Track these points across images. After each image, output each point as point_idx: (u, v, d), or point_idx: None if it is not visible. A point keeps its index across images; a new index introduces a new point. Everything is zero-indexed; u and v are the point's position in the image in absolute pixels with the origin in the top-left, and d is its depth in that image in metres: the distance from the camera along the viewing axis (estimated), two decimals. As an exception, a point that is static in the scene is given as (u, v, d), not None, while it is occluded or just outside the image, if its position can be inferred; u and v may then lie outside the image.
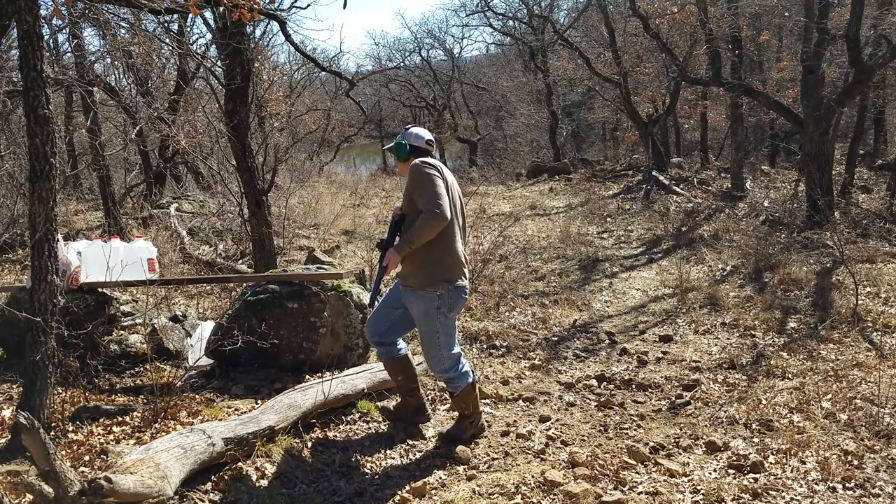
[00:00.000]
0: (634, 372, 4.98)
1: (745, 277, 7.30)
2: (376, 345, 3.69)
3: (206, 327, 4.74)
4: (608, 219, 11.47)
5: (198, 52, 10.58)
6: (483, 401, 4.20)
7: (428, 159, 3.42)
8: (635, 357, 5.28)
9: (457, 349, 3.51)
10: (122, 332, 4.87)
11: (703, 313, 6.30)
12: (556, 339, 5.70)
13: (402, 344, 3.73)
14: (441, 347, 3.43)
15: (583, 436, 3.84)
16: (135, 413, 3.68)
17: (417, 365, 3.98)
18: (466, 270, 3.52)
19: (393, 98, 30.95)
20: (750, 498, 3.11)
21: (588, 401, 4.40)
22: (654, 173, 13.20)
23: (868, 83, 10.12)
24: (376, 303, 3.63)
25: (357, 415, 3.83)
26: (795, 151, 15.02)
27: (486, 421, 3.93)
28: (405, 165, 3.51)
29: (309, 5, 27.45)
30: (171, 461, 2.76)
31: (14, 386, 4.07)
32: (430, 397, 4.13)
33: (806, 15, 9.73)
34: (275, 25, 11.61)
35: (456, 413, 3.70)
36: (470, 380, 3.53)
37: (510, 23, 25.72)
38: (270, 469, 3.17)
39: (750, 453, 3.55)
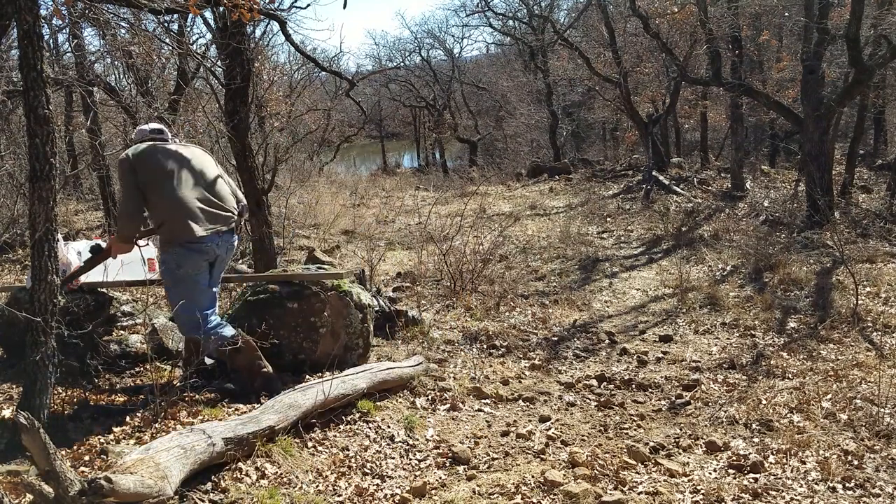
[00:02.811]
0: (634, 372, 4.98)
1: (745, 277, 7.30)
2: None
3: (206, 327, 4.73)
4: (608, 219, 11.47)
5: (198, 52, 10.56)
6: (483, 401, 4.20)
7: (130, 150, 3.51)
8: (635, 357, 5.28)
9: (202, 312, 3.58)
10: (122, 332, 4.86)
11: (703, 313, 6.30)
12: (556, 339, 5.70)
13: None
14: (176, 306, 3.59)
15: (583, 436, 3.84)
16: (135, 413, 3.67)
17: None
18: (206, 218, 3.53)
19: (393, 98, 30.92)
20: (750, 498, 3.11)
21: (588, 401, 4.40)
22: (654, 173, 13.19)
23: (868, 83, 10.12)
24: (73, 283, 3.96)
25: (357, 415, 3.83)
26: (795, 151, 15.01)
27: (486, 421, 3.93)
28: None
29: (309, 5, 27.41)
30: (171, 461, 2.76)
31: (14, 386, 4.06)
32: (430, 397, 4.14)
33: (806, 15, 9.73)
34: (275, 25, 11.57)
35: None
36: (225, 332, 3.64)
37: (510, 23, 25.70)
38: (270, 469, 3.17)
39: (750, 453, 3.55)
